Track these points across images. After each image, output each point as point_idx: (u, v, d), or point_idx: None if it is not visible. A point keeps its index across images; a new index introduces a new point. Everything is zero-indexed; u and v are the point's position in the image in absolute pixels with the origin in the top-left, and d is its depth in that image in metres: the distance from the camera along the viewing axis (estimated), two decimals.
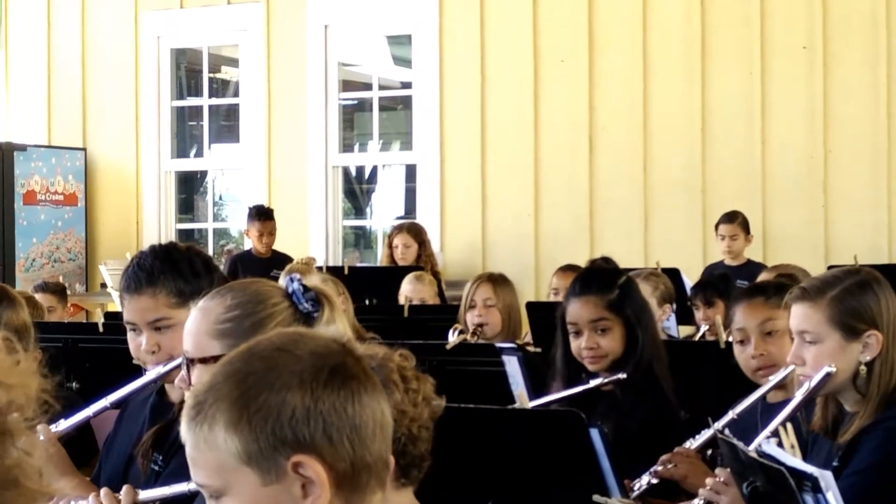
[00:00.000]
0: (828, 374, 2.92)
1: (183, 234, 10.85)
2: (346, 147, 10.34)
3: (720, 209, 8.43)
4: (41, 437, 2.54)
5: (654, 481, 3.25)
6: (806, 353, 2.97)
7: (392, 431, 1.65)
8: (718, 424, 3.17)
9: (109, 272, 9.08)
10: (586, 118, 9.19)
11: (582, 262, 6.92)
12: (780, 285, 3.71)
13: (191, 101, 10.99)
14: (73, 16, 10.78)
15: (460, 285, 6.48)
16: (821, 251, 8.53)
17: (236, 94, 10.70)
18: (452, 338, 4.97)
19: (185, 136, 11.04)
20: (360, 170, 10.69)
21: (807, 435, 3.11)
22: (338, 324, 2.29)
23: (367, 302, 6.77)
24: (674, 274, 6.58)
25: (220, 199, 11.48)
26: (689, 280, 6.82)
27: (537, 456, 2.96)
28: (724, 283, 6.02)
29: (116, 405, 2.88)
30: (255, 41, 10.20)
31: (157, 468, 2.71)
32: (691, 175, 8.92)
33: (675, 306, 5.97)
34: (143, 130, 10.63)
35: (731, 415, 3.27)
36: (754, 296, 3.65)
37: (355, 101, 10.66)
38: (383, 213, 10.59)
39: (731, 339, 3.76)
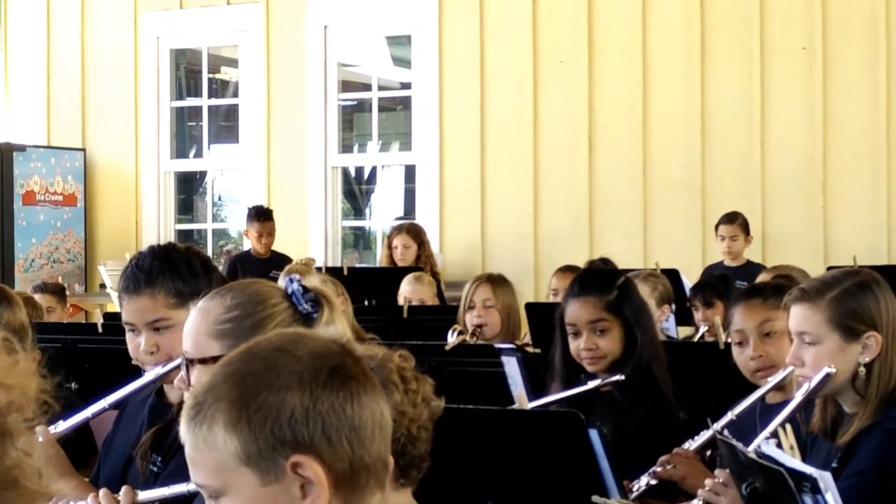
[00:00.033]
0: (827, 375, 2.92)
1: (182, 234, 10.85)
2: (346, 148, 10.34)
3: (720, 210, 8.43)
4: (40, 439, 2.54)
5: (653, 482, 3.25)
6: (805, 355, 2.97)
7: (391, 432, 1.65)
8: (717, 425, 3.17)
9: (109, 273, 9.08)
10: (586, 119, 9.19)
11: (581, 262, 6.93)
12: (778, 286, 3.71)
13: (190, 102, 10.99)
14: (72, 16, 10.78)
15: (459, 286, 6.47)
16: (820, 252, 8.54)
17: (236, 95, 10.70)
18: (452, 338, 4.96)
19: (185, 137, 11.04)
20: (359, 170, 10.69)
21: (806, 436, 3.11)
22: (337, 324, 2.29)
23: (366, 303, 6.77)
24: (673, 275, 6.57)
25: (220, 199, 11.48)
26: (689, 281, 6.82)
27: (536, 457, 2.96)
28: (723, 283, 6.01)
29: (115, 406, 2.88)
30: (254, 42, 10.20)
31: (155, 469, 2.71)
32: (691, 176, 8.92)
33: (674, 307, 5.97)
34: (143, 131, 10.63)
35: (730, 416, 3.27)
36: (752, 297, 3.65)
37: (355, 102, 10.66)
38: (382, 214, 10.59)
39: (730, 340, 3.76)
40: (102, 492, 2.42)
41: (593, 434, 2.91)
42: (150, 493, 2.38)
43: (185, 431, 1.59)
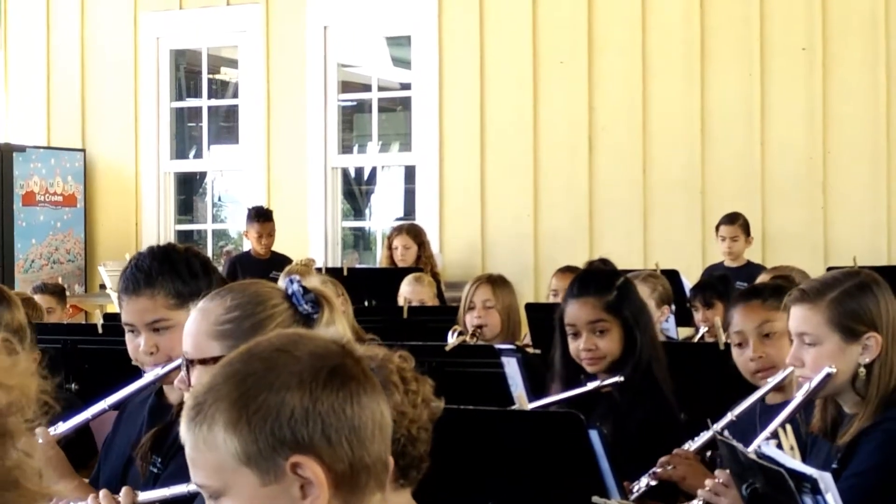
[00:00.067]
0: (828, 375, 2.92)
1: (182, 235, 10.85)
2: (346, 148, 10.34)
3: (720, 210, 8.44)
4: (39, 440, 2.54)
5: (653, 483, 3.25)
6: (805, 355, 2.97)
7: (391, 433, 1.65)
8: (717, 426, 3.17)
9: (108, 273, 9.08)
10: (586, 119, 9.19)
11: (581, 263, 6.93)
12: (777, 287, 3.71)
13: (190, 102, 10.99)
14: (72, 16, 10.78)
15: (460, 286, 6.47)
16: (820, 252, 8.54)
17: (235, 96, 10.71)
18: (452, 339, 4.96)
19: (185, 138, 11.04)
20: (359, 171, 10.69)
21: (806, 437, 3.11)
22: (337, 325, 2.29)
23: (366, 303, 6.77)
24: (673, 275, 6.58)
25: (220, 200, 11.48)
26: (689, 281, 6.82)
27: (536, 457, 2.96)
28: (723, 284, 6.01)
29: (115, 407, 2.88)
30: (254, 42, 10.20)
31: (155, 470, 2.71)
32: (691, 176, 8.92)
33: (674, 308, 5.97)
34: (143, 131, 10.63)
35: (730, 416, 3.27)
36: (751, 298, 3.65)
37: (354, 103, 10.66)
38: (382, 215, 10.59)
39: (729, 341, 3.76)
40: (103, 492, 2.42)
41: (593, 435, 2.91)
42: (151, 494, 2.38)
43: (185, 432, 1.60)
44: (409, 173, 10.18)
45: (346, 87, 10.39)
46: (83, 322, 8.92)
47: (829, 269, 4.95)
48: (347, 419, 1.56)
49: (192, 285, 2.78)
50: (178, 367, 2.44)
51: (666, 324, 5.95)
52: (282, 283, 2.38)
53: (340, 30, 10.11)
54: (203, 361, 2.27)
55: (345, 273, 7.51)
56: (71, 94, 10.79)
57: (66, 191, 10.52)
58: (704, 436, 3.26)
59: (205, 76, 10.82)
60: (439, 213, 9.59)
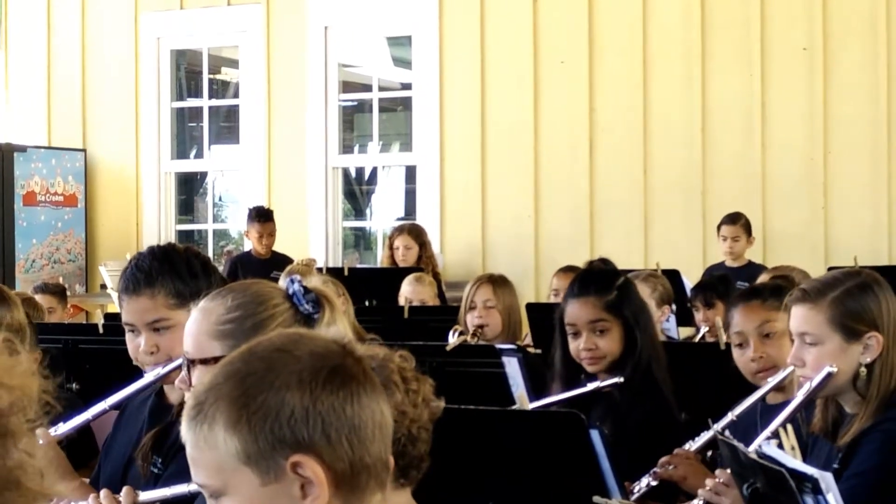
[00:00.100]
0: (829, 375, 2.93)
1: (183, 235, 10.85)
2: (346, 148, 10.34)
3: (720, 211, 8.43)
4: (40, 441, 2.54)
5: (654, 483, 3.25)
6: (806, 355, 2.97)
7: (392, 432, 1.65)
8: (718, 426, 3.17)
9: (109, 273, 9.08)
10: (586, 119, 9.19)
11: (582, 263, 6.92)
12: (777, 287, 3.71)
13: (191, 103, 10.99)
14: (73, 17, 10.78)
15: (460, 286, 6.47)
16: (821, 253, 8.54)
17: (236, 96, 10.71)
18: (452, 339, 4.96)
19: (185, 138, 11.04)
20: (359, 171, 10.69)
21: (807, 437, 3.11)
22: (338, 325, 2.29)
23: (367, 303, 6.77)
24: (674, 275, 6.58)
25: (220, 200, 11.48)
26: (689, 281, 6.82)
27: (537, 457, 2.96)
28: (723, 284, 6.01)
29: (116, 407, 2.88)
30: (254, 42, 10.20)
31: (156, 471, 2.71)
32: (691, 176, 8.92)
33: (674, 308, 5.97)
34: (143, 131, 10.63)
35: (730, 416, 3.27)
36: (751, 299, 3.65)
37: (355, 103, 10.66)
38: (383, 215, 10.60)
39: (730, 341, 3.76)
40: (104, 492, 2.42)
41: (594, 434, 2.91)
42: (152, 494, 2.38)
43: (186, 431, 1.60)
44: (410, 173, 10.18)
45: (347, 87, 10.39)
46: (84, 322, 8.92)
47: (829, 269, 4.94)
48: (347, 419, 1.56)
49: (193, 285, 2.78)
50: (178, 367, 2.44)
51: (667, 324, 5.95)
52: (283, 282, 2.38)
53: (341, 30, 10.11)
54: (204, 361, 2.27)
55: (345, 273, 7.51)
56: (72, 94, 10.79)
57: (67, 191, 10.53)
58: (705, 436, 3.27)
59: (205, 76, 10.82)
60: (440, 213, 9.59)
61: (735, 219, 8.22)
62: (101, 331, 4.91)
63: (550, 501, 2.91)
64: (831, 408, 3.03)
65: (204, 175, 11.11)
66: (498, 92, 9.45)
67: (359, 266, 9.57)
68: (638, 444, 3.38)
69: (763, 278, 5.20)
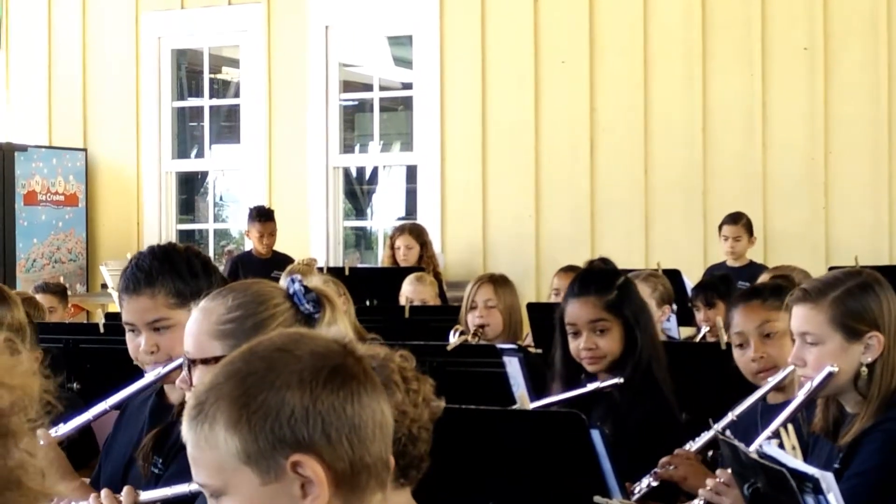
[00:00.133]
0: (830, 375, 2.92)
1: (184, 234, 10.85)
2: (347, 148, 10.34)
3: (721, 210, 8.43)
4: (41, 442, 2.54)
5: (655, 483, 3.25)
6: (807, 355, 2.97)
7: (392, 432, 1.65)
8: (719, 426, 3.17)
9: (110, 273, 9.08)
10: (587, 119, 9.19)
11: (583, 263, 6.91)
12: (777, 287, 3.71)
13: (191, 102, 10.99)
14: (73, 16, 10.78)
15: (461, 286, 6.47)
16: (821, 252, 8.53)
17: (237, 95, 10.70)
18: (453, 339, 4.96)
19: (186, 137, 11.04)
20: (360, 171, 10.69)
21: (807, 436, 3.11)
22: (339, 325, 2.29)
23: (367, 303, 6.77)
24: (674, 275, 6.58)
25: (221, 199, 11.49)
26: (690, 281, 6.82)
27: (538, 457, 2.96)
28: (724, 284, 6.01)
29: (116, 407, 2.88)
30: (255, 42, 10.20)
31: (157, 471, 2.71)
32: (692, 176, 8.92)
33: (675, 307, 5.97)
34: (144, 131, 10.63)
35: (731, 416, 3.27)
36: (751, 299, 3.65)
37: (356, 102, 10.66)
38: (384, 214, 10.60)
39: (731, 341, 3.76)
40: (104, 492, 2.42)
41: (595, 434, 2.91)
42: (153, 494, 2.38)
43: (186, 430, 1.60)
44: (411, 173, 10.18)
45: (348, 86, 10.39)
46: (85, 321, 8.92)
47: (830, 268, 4.94)
48: (348, 418, 1.56)
49: (193, 285, 2.78)
50: (178, 367, 2.44)
51: (667, 323, 5.95)
52: (283, 282, 2.38)
53: (342, 29, 10.11)
54: (205, 361, 2.26)
55: (346, 273, 7.51)
56: (72, 93, 10.79)
57: (68, 190, 10.53)
58: (706, 436, 3.26)
59: (206, 76, 10.82)
60: (441, 213, 9.59)
61: (736, 218, 8.22)
62: (101, 330, 4.92)
63: (551, 501, 2.91)
64: (832, 407, 3.03)
65: (205, 174, 11.11)
66: (499, 91, 9.45)
67: (359, 266, 9.57)
68: (638, 444, 3.38)
69: (764, 278, 5.20)
